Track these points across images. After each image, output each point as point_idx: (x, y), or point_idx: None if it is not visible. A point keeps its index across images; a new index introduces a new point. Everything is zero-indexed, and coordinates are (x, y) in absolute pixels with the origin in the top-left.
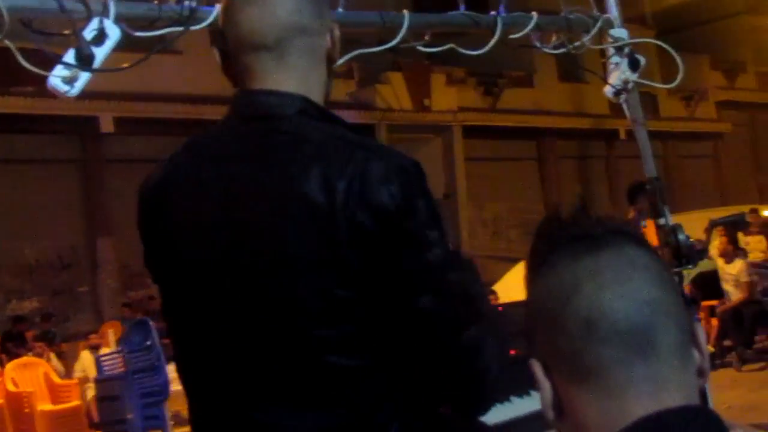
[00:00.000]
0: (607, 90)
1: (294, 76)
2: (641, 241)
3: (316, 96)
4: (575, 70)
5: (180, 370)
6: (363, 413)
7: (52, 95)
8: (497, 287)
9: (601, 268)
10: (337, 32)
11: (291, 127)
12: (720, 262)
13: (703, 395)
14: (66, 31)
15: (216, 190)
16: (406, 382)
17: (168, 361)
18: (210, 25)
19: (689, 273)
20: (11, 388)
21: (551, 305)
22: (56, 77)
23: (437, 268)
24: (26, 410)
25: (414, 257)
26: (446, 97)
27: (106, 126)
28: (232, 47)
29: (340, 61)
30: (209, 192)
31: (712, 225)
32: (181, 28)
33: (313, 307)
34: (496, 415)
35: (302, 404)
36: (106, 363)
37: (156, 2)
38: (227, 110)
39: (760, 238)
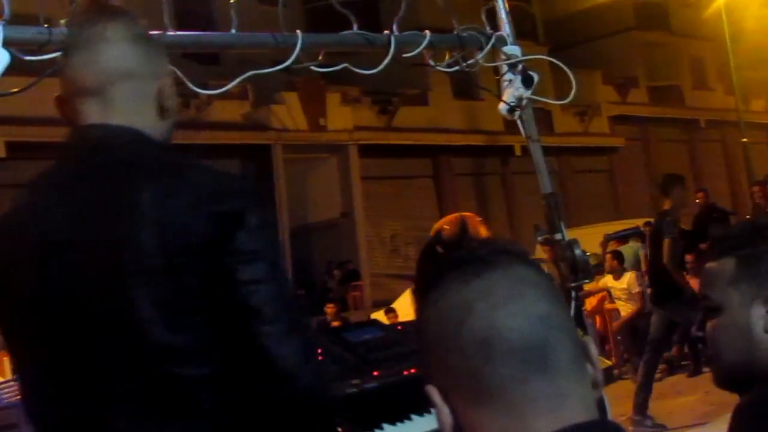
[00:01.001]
0: (502, 107)
1: (120, 118)
2: (528, 260)
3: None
4: (469, 87)
5: (30, 404)
6: (214, 423)
7: None
8: (396, 305)
9: (492, 288)
10: (168, 82)
11: (122, 153)
12: (609, 280)
13: (601, 407)
14: None
15: (50, 219)
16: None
17: None
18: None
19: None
20: None
21: (445, 329)
22: None
23: (267, 275)
24: None
25: (245, 265)
26: (341, 117)
27: None
28: (66, 91)
29: (235, 82)
30: (43, 223)
31: (607, 240)
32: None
33: (152, 318)
34: None
35: (153, 416)
36: (2, 392)
37: (46, 26)
38: (63, 145)
39: None
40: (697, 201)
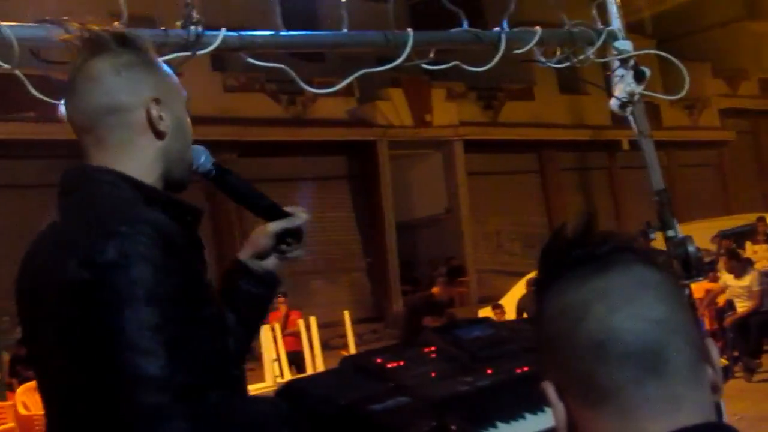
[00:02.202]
0: (613, 103)
1: (109, 152)
2: (649, 258)
3: (135, 166)
4: (575, 81)
5: None
6: None
7: (53, 120)
8: (503, 301)
9: (609, 289)
10: (154, 106)
11: (77, 202)
12: (729, 279)
13: (718, 410)
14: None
15: (28, 263)
16: None
17: None
18: (215, 50)
19: None
20: (22, 411)
21: (561, 328)
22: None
23: (133, 326)
24: None
25: (114, 313)
26: (447, 112)
27: None
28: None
29: (346, 81)
30: (26, 264)
31: (722, 236)
32: (187, 53)
33: (58, 363)
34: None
35: None
36: None
37: (162, 28)
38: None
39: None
40: None
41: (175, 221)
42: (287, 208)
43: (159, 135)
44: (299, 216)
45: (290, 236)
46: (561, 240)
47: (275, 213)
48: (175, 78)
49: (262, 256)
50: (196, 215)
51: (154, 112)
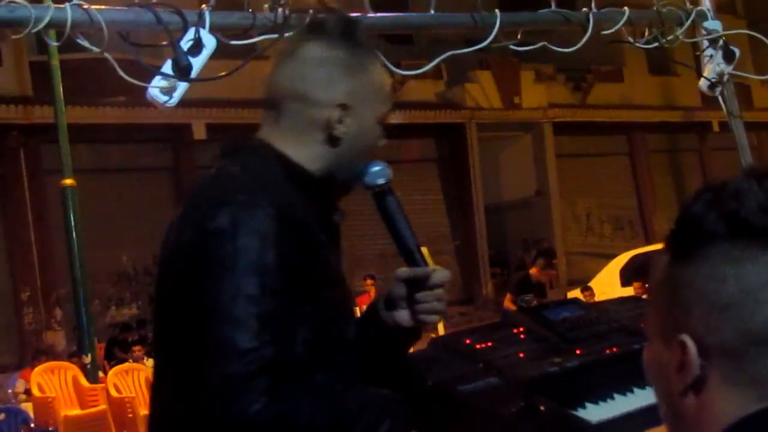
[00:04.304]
0: (703, 83)
1: (280, 132)
2: None
3: (298, 154)
4: (665, 63)
5: None
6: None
7: (144, 104)
8: (592, 283)
9: None
10: (338, 112)
11: (224, 167)
12: None
13: None
14: (163, 42)
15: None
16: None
17: None
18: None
19: None
20: (114, 393)
21: (738, 303)
22: (155, 88)
23: (229, 296)
24: (129, 415)
25: (212, 281)
26: (535, 94)
27: (199, 133)
28: None
29: (434, 63)
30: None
31: None
32: (275, 36)
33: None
34: (598, 412)
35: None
36: None
37: (250, 10)
38: None
39: None
40: None
41: (313, 204)
42: (433, 267)
43: (333, 141)
44: (435, 273)
45: (418, 288)
46: (745, 193)
47: (412, 257)
48: (382, 84)
49: (393, 304)
50: (335, 218)
51: (335, 119)
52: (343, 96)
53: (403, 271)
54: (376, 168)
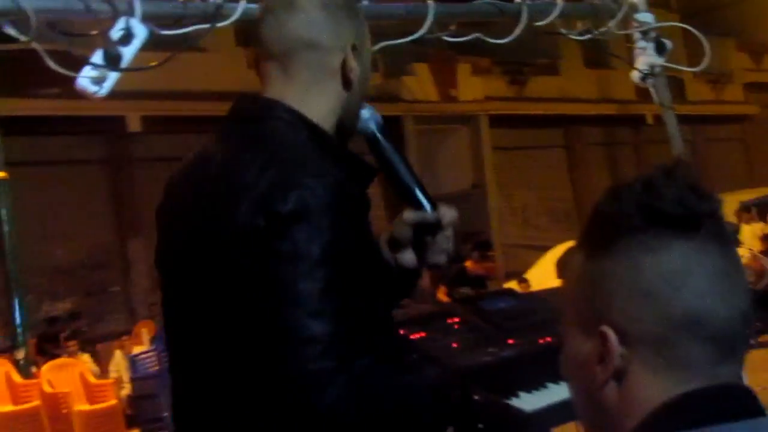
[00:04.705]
0: (635, 75)
1: (294, 87)
2: (731, 230)
3: (316, 109)
4: (601, 55)
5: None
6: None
7: (78, 96)
8: (529, 275)
9: (711, 262)
10: (355, 51)
11: (250, 133)
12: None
13: None
14: (93, 32)
15: (183, 187)
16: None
17: None
18: (235, 22)
19: None
20: (48, 389)
21: (657, 287)
22: (85, 78)
23: (304, 281)
24: (63, 411)
25: (288, 266)
26: (472, 87)
27: (134, 125)
28: (256, 50)
29: None
30: (180, 190)
31: (742, 207)
32: (207, 26)
33: (214, 301)
34: (532, 401)
35: (217, 397)
36: (140, 362)
37: (182, 0)
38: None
39: None
40: None
41: (349, 176)
42: (441, 204)
43: (348, 84)
44: (445, 213)
45: (429, 233)
46: (657, 186)
47: (418, 201)
48: (366, 25)
49: (399, 245)
50: (370, 174)
51: (351, 60)
52: (353, 36)
53: (412, 215)
54: (367, 113)
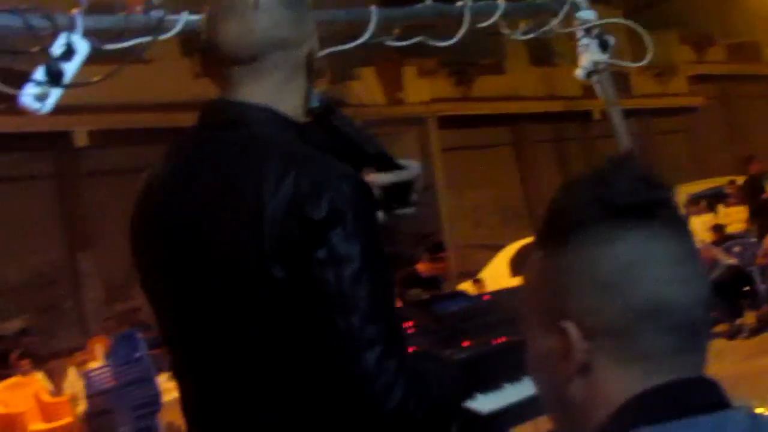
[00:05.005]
0: (579, 72)
1: (267, 87)
2: (685, 218)
3: (290, 105)
4: (546, 53)
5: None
6: (299, 415)
7: (23, 112)
8: (483, 275)
9: (668, 251)
10: (316, 40)
11: (247, 138)
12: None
13: None
14: (34, 48)
15: (177, 196)
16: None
17: (158, 371)
18: (178, 33)
19: None
20: (2, 409)
21: (614, 279)
22: (27, 95)
23: (352, 284)
24: (19, 431)
25: (331, 273)
26: (419, 89)
27: (81, 140)
28: (212, 57)
29: None
30: (173, 198)
31: (691, 199)
32: (149, 38)
33: (243, 311)
34: (489, 402)
35: (247, 402)
36: (95, 378)
37: (123, 13)
38: (198, 117)
39: (740, 208)
40: None
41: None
42: (402, 161)
43: (312, 76)
44: (411, 168)
45: (399, 190)
46: (609, 178)
47: (385, 162)
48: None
49: None
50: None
51: (315, 51)
52: (312, 27)
53: (385, 177)
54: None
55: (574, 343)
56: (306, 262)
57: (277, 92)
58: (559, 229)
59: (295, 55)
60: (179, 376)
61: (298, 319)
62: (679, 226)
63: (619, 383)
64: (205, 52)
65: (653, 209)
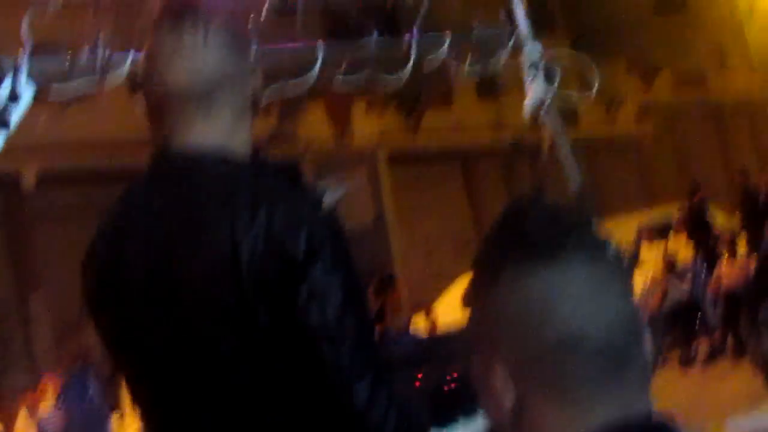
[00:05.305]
0: (526, 105)
1: (219, 125)
2: (605, 245)
3: (240, 141)
4: (494, 85)
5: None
6: None
7: None
8: (435, 308)
9: (576, 281)
10: (259, 71)
11: (208, 180)
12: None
13: None
14: None
15: (139, 244)
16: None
17: (111, 410)
18: (125, 73)
19: None
20: None
21: (527, 316)
22: None
23: (336, 318)
24: None
25: (314, 308)
26: (368, 124)
27: (28, 180)
28: (156, 96)
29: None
30: (134, 246)
31: (640, 230)
32: (95, 78)
33: (226, 354)
34: None
35: None
36: (47, 421)
37: (69, 54)
38: (150, 162)
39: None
40: None
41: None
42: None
43: (257, 109)
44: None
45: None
46: (518, 218)
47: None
48: None
49: None
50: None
51: (259, 85)
52: (256, 63)
53: (331, 195)
54: None
55: (502, 381)
56: (288, 298)
57: (229, 130)
58: (483, 271)
59: (242, 92)
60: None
61: (282, 356)
62: (594, 256)
63: (553, 419)
64: (150, 93)
65: (564, 244)
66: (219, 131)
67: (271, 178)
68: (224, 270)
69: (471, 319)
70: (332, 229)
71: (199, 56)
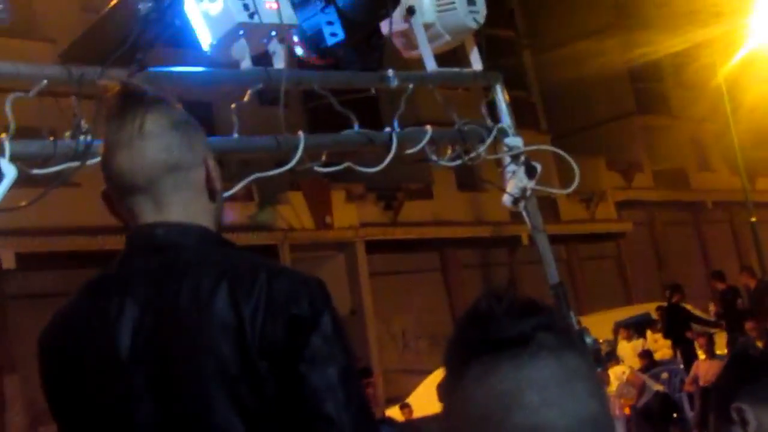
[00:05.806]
0: (506, 199)
1: (173, 211)
2: (573, 341)
3: (204, 225)
4: (473, 179)
5: None
6: None
7: None
8: (410, 400)
9: (540, 378)
10: (211, 162)
11: (193, 254)
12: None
13: None
14: None
15: (127, 325)
16: None
17: None
18: None
19: None
20: None
21: (489, 413)
22: None
23: (340, 381)
24: None
25: (319, 371)
26: (347, 214)
27: (8, 262)
28: (113, 190)
29: (239, 186)
30: (120, 328)
31: (617, 326)
32: (77, 163)
33: (232, 426)
34: None
35: None
36: None
37: (50, 138)
38: (125, 246)
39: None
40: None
41: None
42: None
43: (213, 195)
44: None
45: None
46: (483, 314)
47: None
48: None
49: None
50: None
51: (212, 170)
52: (206, 148)
53: None
54: None
55: None
56: (292, 361)
57: (185, 215)
58: (453, 363)
59: (192, 177)
60: None
61: (286, 420)
62: (558, 350)
63: None
64: (108, 187)
65: (527, 339)
66: (174, 216)
67: (238, 255)
68: (226, 335)
69: (442, 413)
70: (328, 297)
71: (139, 144)
